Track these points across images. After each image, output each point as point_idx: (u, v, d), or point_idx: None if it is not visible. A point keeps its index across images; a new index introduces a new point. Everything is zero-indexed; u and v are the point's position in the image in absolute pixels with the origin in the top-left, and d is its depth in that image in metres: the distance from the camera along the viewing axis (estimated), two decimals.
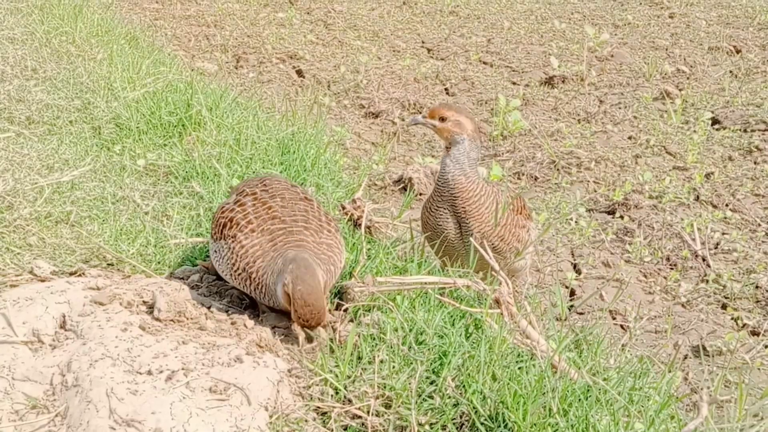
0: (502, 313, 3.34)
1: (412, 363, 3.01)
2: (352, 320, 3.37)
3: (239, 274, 3.28)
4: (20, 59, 6.93)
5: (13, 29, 8.11)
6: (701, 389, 3.76)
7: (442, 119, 3.88)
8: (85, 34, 8.03)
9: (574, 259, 5.19)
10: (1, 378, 2.88)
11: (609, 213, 5.77)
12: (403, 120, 7.43)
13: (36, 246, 3.88)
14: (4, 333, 3.08)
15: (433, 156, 6.71)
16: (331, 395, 2.93)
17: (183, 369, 2.88)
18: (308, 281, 3.08)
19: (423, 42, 9.93)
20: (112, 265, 3.82)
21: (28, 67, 6.74)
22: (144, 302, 3.33)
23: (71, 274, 3.70)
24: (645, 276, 5.01)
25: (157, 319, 3.19)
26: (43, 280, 3.58)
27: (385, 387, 2.92)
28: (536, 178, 6.33)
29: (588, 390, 2.99)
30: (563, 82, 8.35)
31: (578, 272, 5.02)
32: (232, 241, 3.31)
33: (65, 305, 3.25)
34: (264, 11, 11.03)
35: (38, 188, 4.43)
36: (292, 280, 3.08)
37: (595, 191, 6.06)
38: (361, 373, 2.98)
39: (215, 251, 3.42)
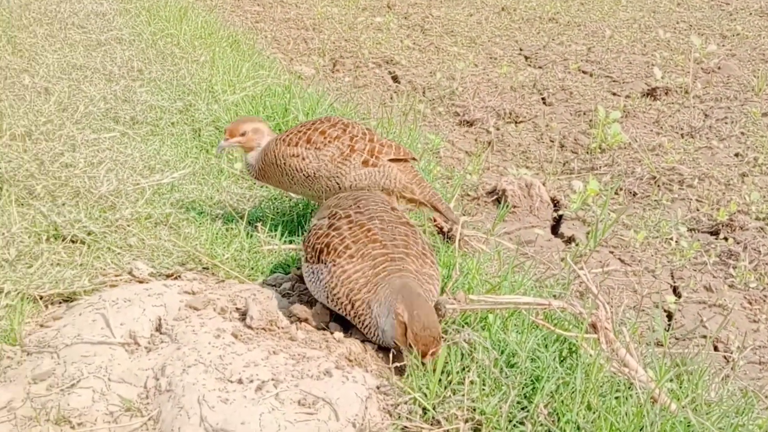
0: (598, 339, 3.22)
1: (503, 386, 2.93)
2: (442, 337, 3.30)
3: (339, 300, 3.25)
4: (127, 60, 7.17)
5: (121, 30, 8.41)
6: None
7: (243, 134, 4.20)
8: (189, 37, 8.25)
9: (674, 282, 4.97)
10: (97, 378, 2.95)
11: (712, 234, 5.52)
12: (498, 129, 7.32)
13: (135, 247, 3.98)
14: (102, 333, 3.16)
15: (527, 167, 6.58)
16: (420, 415, 2.88)
17: (273, 380, 2.89)
18: (423, 306, 3.03)
19: (521, 49, 9.78)
20: (207, 269, 3.88)
21: (135, 68, 6.97)
22: (237, 309, 3.37)
23: (168, 276, 3.78)
24: (750, 303, 4.76)
25: (249, 327, 3.21)
26: (141, 282, 3.67)
27: (474, 410, 2.85)
28: (635, 194, 6.12)
29: (689, 425, 2.85)
30: (666, 94, 8.06)
31: (678, 295, 4.81)
32: (333, 266, 3.27)
33: (161, 308, 3.31)
34: (362, 15, 11.09)
35: (140, 189, 4.55)
36: (406, 307, 3.00)
37: (698, 210, 5.81)
38: (450, 394, 2.91)
39: (311, 273, 3.39)
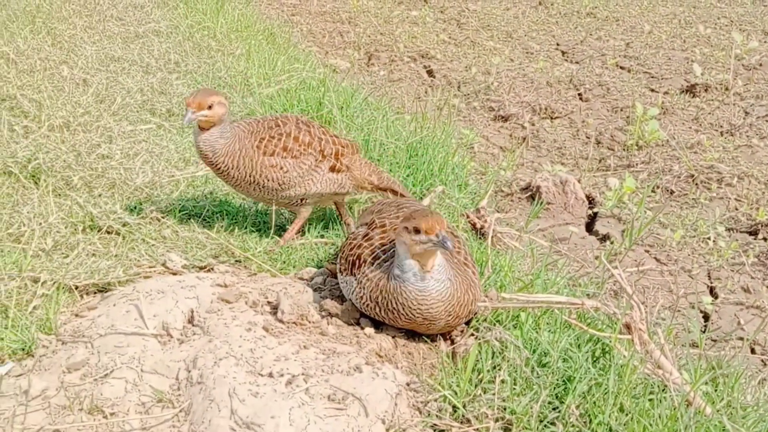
0: (632, 340, 3.18)
1: (534, 386, 2.90)
2: (473, 335, 3.29)
3: (367, 305, 3.24)
4: (164, 52, 7.22)
5: (159, 22, 8.47)
6: None
7: (210, 107, 3.79)
8: (225, 30, 8.29)
9: (711, 282, 4.89)
10: (130, 369, 2.98)
11: (751, 234, 5.41)
12: (533, 125, 7.25)
13: (169, 239, 4.01)
14: (135, 324, 3.19)
15: (563, 164, 6.51)
16: (449, 413, 2.87)
17: (303, 374, 2.89)
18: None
19: (558, 44, 9.67)
20: (240, 261, 3.89)
21: (171, 60, 7.02)
22: (268, 302, 3.38)
23: (201, 268, 3.80)
24: None
25: (281, 321, 3.22)
26: (174, 274, 3.69)
27: (505, 409, 2.83)
28: (672, 192, 6.02)
29: (723, 429, 2.80)
30: (706, 90, 7.92)
31: (715, 296, 4.73)
32: (361, 276, 3.27)
33: (194, 300, 3.34)
34: (398, 9, 11.05)
35: (174, 181, 4.58)
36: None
37: (737, 209, 5.70)
38: (481, 393, 2.90)
39: (345, 284, 3.38)
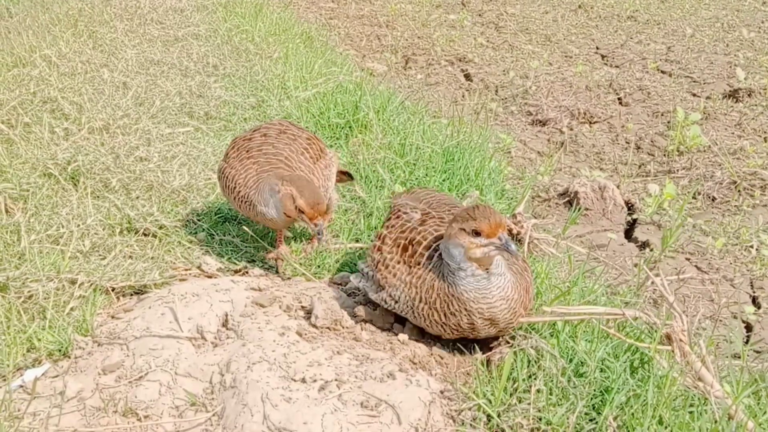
0: (672, 351, 3.10)
1: (570, 396, 2.85)
2: (508, 343, 3.24)
3: (422, 308, 3.07)
4: (203, 56, 7.28)
5: (198, 26, 8.54)
6: None
7: (328, 207, 3.71)
8: (263, 33, 8.32)
9: (754, 292, 4.77)
10: (165, 372, 2.98)
11: None
12: (571, 129, 7.17)
13: (205, 242, 4.03)
14: (170, 327, 3.20)
15: (601, 169, 6.42)
16: (484, 422, 2.82)
17: (336, 380, 2.87)
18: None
19: (597, 48, 9.55)
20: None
21: (210, 63, 7.06)
22: (302, 307, 3.37)
23: (236, 272, 3.81)
24: None
25: (314, 326, 3.21)
26: (209, 276, 3.70)
27: (540, 420, 2.78)
28: (714, 199, 5.90)
29: None
30: (749, 95, 7.75)
31: (757, 306, 4.61)
32: (411, 276, 3.11)
33: (228, 304, 3.34)
34: (436, 12, 11.01)
35: (211, 184, 4.60)
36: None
37: None
38: (516, 402, 2.85)
39: (392, 279, 3.18)
